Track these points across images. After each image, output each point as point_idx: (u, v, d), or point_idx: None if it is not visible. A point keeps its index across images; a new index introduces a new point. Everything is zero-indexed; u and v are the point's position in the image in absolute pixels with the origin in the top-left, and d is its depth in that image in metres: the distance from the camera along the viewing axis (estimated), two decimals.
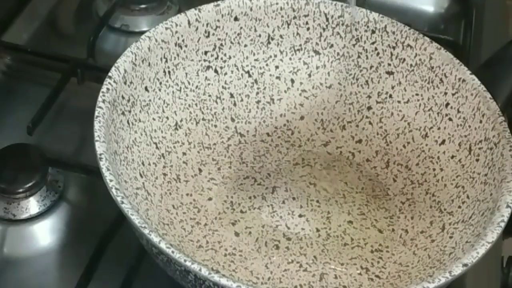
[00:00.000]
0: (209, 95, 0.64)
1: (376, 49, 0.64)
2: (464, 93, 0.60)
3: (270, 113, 0.66)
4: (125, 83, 0.57)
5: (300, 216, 0.60)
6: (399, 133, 0.64)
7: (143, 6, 0.79)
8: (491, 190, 0.55)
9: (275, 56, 0.66)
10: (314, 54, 0.66)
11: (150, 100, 0.60)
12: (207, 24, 0.63)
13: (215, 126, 0.64)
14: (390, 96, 0.65)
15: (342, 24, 0.64)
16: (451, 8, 0.87)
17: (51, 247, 0.60)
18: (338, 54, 0.66)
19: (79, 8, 0.82)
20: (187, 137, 0.62)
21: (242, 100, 0.65)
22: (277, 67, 0.66)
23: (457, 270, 0.49)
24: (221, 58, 0.64)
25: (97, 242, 0.58)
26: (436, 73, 0.62)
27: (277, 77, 0.66)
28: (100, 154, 0.51)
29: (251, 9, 0.64)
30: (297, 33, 0.65)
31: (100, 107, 0.54)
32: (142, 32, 0.61)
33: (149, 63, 0.60)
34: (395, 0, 0.86)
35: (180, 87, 0.63)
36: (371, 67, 0.65)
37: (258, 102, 0.66)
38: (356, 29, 0.64)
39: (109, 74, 0.56)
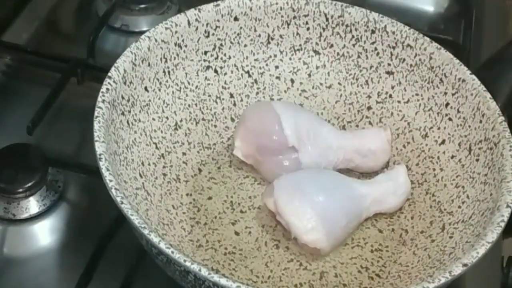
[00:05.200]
0: (209, 95, 0.64)
1: (376, 49, 0.64)
2: (464, 93, 0.60)
3: None
4: (124, 83, 0.57)
5: None
6: (399, 133, 0.64)
7: (143, 6, 0.79)
8: (491, 190, 0.55)
9: (275, 56, 0.66)
10: (314, 54, 0.66)
11: (150, 100, 0.60)
12: (207, 24, 0.63)
13: (215, 126, 0.64)
14: (390, 96, 0.65)
15: (342, 24, 0.64)
16: (451, 8, 0.87)
17: (51, 247, 0.60)
18: (338, 54, 0.66)
19: (79, 8, 0.82)
20: (187, 137, 0.62)
21: (242, 100, 0.65)
22: (277, 67, 0.66)
23: (457, 270, 0.49)
24: (221, 58, 0.64)
25: (97, 242, 0.58)
26: (436, 73, 0.62)
27: (277, 77, 0.66)
28: (100, 154, 0.51)
29: (251, 9, 0.64)
30: (297, 33, 0.65)
31: (99, 107, 0.54)
32: (142, 32, 0.61)
33: (149, 63, 0.60)
34: (395, 0, 0.86)
35: (180, 87, 0.63)
36: (371, 67, 0.65)
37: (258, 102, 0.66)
38: (356, 29, 0.64)
39: (109, 74, 0.56)
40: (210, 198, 0.61)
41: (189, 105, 0.63)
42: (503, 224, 0.51)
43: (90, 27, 0.75)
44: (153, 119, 0.60)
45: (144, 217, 0.52)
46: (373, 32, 0.64)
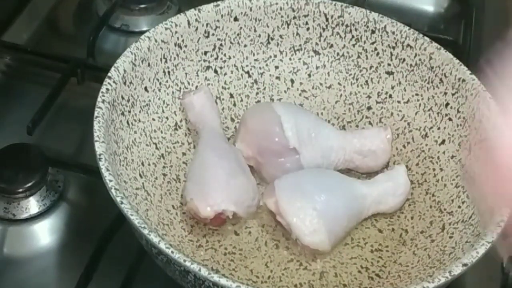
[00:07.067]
0: None
1: (376, 49, 0.64)
2: (464, 93, 0.60)
3: None
4: (124, 83, 0.57)
5: None
6: (399, 133, 0.64)
7: (143, 6, 0.79)
8: None
9: (275, 56, 0.66)
10: (314, 54, 0.66)
11: (149, 101, 0.60)
12: (206, 24, 0.63)
13: None
14: (390, 96, 0.65)
15: (342, 24, 0.64)
16: (451, 8, 0.87)
17: (51, 247, 0.60)
18: (338, 54, 0.66)
19: (79, 8, 0.82)
20: (187, 137, 0.62)
21: (242, 100, 0.65)
22: (277, 67, 0.66)
23: (457, 270, 0.49)
24: (221, 58, 0.64)
25: (97, 242, 0.58)
26: (436, 73, 0.62)
27: (277, 77, 0.66)
28: (100, 154, 0.51)
29: (250, 9, 0.64)
30: (297, 33, 0.65)
31: (99, 108, 0.54)
32: (142, 32, 0.61)
33: (149, 63, 0.60)
34: (395, 0, 0.86)
35: (180, 87, 0.63)
36: (371, 67, 0.65)
37: (258, 102, 0.66)
38: (356, 29, 0.64)
39: (109, 74, 0.56)
40: None
41: None
42: (503, 224, 0.51)
43: (90, 27, 0.75)
44: (153, 119, 0.60)
45: (144, 217, 0.53)
46: (373, 32, 0.64)
